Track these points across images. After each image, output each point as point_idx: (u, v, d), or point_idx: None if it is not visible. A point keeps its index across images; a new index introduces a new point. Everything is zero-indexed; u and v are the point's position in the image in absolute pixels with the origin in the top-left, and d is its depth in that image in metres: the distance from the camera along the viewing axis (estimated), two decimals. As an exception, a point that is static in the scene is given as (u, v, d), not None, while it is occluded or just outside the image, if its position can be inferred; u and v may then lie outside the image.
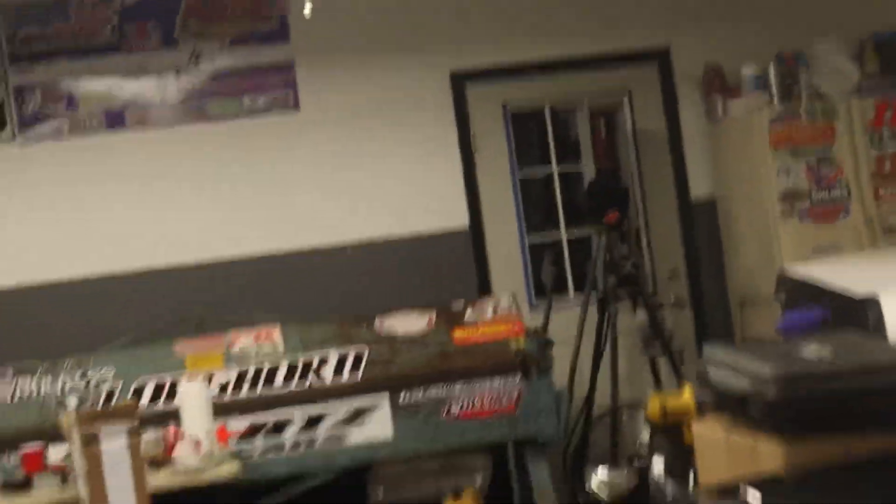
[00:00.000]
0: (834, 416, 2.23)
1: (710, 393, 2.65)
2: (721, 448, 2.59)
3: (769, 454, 2.30)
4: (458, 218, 5.88)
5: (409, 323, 5.35)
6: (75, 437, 3.81)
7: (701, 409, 2.90)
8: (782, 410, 2.25)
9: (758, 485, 2.13)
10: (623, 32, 5.89)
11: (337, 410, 5.13)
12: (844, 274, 4.29)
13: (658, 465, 3.96)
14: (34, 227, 5.41)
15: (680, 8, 6.02)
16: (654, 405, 3.85)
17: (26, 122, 5.22)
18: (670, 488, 2.77)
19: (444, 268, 5.85)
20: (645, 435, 5.53)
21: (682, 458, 3.36)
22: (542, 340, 5.25)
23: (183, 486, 4.55)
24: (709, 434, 2.69)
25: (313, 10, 4.93)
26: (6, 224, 5.47)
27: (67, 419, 3.99)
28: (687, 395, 3.21)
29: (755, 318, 5.80)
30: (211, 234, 5.54)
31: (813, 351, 2.41)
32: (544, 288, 5.89)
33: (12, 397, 5.00)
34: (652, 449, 5.08)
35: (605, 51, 5.85)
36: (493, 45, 5.77)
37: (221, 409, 4.90)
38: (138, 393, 5.01)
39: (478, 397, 5.28)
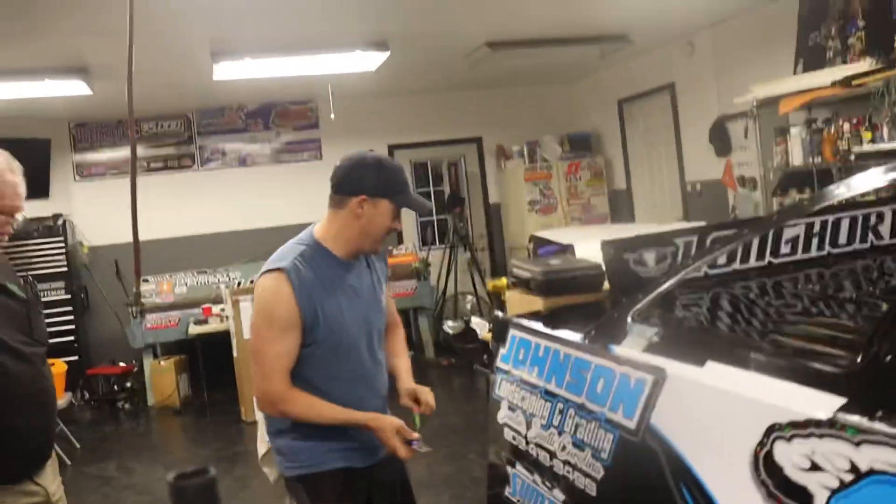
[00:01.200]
0: (561, 287, 3.64)
1: (514, 278, 4.05)
2: (518, 301, 3.92)
3: (538, 303, 3.63)
4: (389, 209, 10.60)
5: (368, 254, 9.89)
6: (230, 300, 7.60)
7: (510, 286, 4.23)
8: (543, 285, 3.68)
9: (533, 315, 3.23)
10: (462, 130, 10.32)
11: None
12: (559, 235, 6.06)
13: (477, 321, 5.84)
14: (205, 208, 9.50)
15: (487, 121, 10.41)
16: (490, 284, 8.35)
17: (203, 162, 9.64)
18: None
19: (383, 230, 10.41)
20: (468, 306, 9.59)
21: (501, 306, 5.36)
22: (425, 263, 9.35)
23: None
24: (513, 296, 4.05)
25: (333, 117, 8.64)
26: (192, 205, 9.49)
27: (226, 292, 8.06)
28: (504, 280, 5.65)
29: (517, 256, 9.36)
30: (278, 212, 9.23)
31: (554, 262, 3.98)
32: (426, 241, 10.34)
33: (197, 283, 9.17)
34: (475, 310, 9.38)
35: (454, 137, 10.36)
36: (405, 134, 10.12)
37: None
38: (252, 283, 8.57)
39: (399, 288, 8.94)
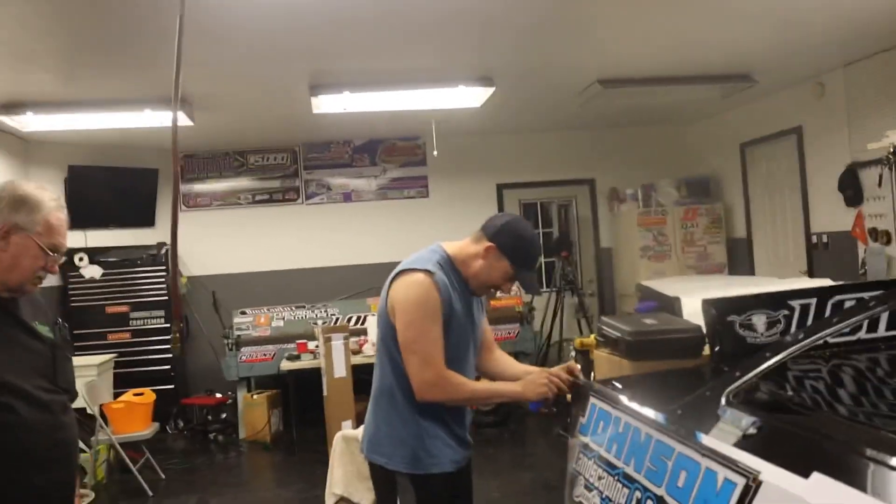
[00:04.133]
0: (652, 350, 3.38)
1: (602, 337, 3.86)
2: (606, 362, 3.72)
3: (626, 366, 3.42)
4: (494, 249, 10.32)
5: (471, 296, 9.54)
6: (321, 337, 7.06)
7: (598, 344, 4.02)
8: (631, 347, 3.47)
9: (621, 379, 3.00)
10: (574, 170, 9.97)
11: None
12: (667, 286, 5.76)
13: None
14: (307, 242, 9.42)
15: (600, 162, 10.07)
16: (577, 341, 7.42)
17: (308, 196, 9.55)
18: (583, 379, 2.95)
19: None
20: (573, 353, 9.91)
21: (588, 366, 4.18)
22: (529, 307, 9.01)
23: (366, 363, 7.27)
24: (601, 356, 3.81)
25: (438, 154, 8.89)
26: (295, 239, 9.44)
27: (318, 330, 7.50)
28: (592, 338, 4.34)
29: (626, 303, 9.58)
30: (381, 249, 9.20)
31: (648, 321, 3.64)
32: (532, 284, 10.31)
33: (295, 317, 8.87)
34: (576, 361, 9.43)
35: (565, 178, 10.00)
36: (515, 172, 9.86)
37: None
38: (349, 320, 8.65)
39: (501, 331, 8.69)
